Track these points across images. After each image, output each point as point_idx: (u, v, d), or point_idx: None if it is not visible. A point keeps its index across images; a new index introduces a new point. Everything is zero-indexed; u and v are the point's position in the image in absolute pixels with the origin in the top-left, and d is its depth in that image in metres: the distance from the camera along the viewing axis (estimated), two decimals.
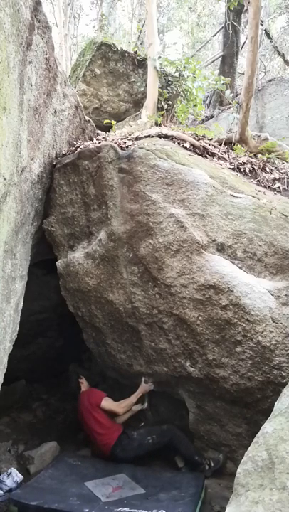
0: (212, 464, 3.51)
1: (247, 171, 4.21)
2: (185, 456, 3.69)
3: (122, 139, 3.99)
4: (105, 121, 5.57)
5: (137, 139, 3.97)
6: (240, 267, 3.31)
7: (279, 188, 4.12)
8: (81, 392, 4.12)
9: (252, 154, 4.50)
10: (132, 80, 6.89)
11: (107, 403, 3.89)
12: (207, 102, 9.37)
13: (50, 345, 5.71)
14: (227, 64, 9.50)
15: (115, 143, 3.76)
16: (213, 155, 4.24)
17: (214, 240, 3.36)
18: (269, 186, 4.10)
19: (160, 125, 5.01)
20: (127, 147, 3.68)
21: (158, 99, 5.72)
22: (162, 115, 5.33)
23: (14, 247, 3.12)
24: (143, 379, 3.90)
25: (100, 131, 5.31)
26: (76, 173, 3.89)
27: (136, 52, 6.91)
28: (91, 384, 4.33)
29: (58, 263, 4.11)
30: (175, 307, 3.41)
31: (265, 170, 4.34)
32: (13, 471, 3.59)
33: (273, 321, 3.11)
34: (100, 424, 3.82)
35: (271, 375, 3.12)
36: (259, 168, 4.28)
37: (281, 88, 8.12)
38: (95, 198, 3.79)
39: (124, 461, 3.70)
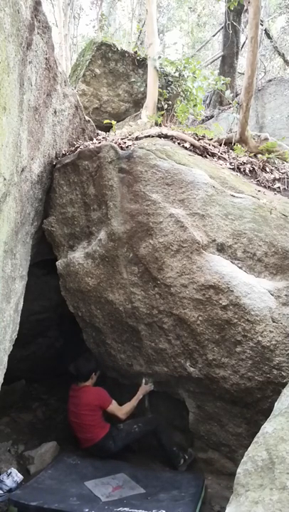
0: (186, 457, 3.72)
1: (247, 171, 4.21)
2: (165, 445, 3.83)
3: (122, 139, 3.99)
4: (105, 121, 5.57)
5: (137, 139, 3.97)
6: (240, 267, 3.31)
7: (279, 188, 4.12)
8: (83, 385, 4.01)
9: (252, 154, 4.50)
10: (132, 80, 6.89)
11: (112, 407, 3.89)
12: (207, 102, 9.38)
13: (50, 345, 5.71)
14: (227, 64, 9.51)
15: (115, 143, 3.76)
16: (213, 155, 4.24)
17: (214, 240, 3.36)
18: (269, 186, 4.10)
19: (160, 125, 5.01)
20: (127, 147, 3.68)
21: (158, 99, 5.72)
22: (162, 115, 5.33)
23: (14, 247, 3.12)
24: (144, 380, 3.90)
25: (100, 131, 5.31)
26: (76, 173, 3.89)
27: (136, 52, 6.91)
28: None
29: (58, 263, 4.11)
30: (175, 307, 3.41)
31: (265, 170, 4.34)
32: (13, 471, 3.59)
33: (273, 321, 3.11)
34: (91, 421, 3.84)
35: (271, 375, 3.12)
36: (259, 168, 4.28)
37: (281, 88, 8.12)
38: (95, 198, 3.79)
39: (113, 451, 3.80)
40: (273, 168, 4.42)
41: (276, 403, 2.12)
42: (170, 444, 3.83)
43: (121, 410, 3.89)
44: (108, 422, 3.91)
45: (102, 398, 3.90)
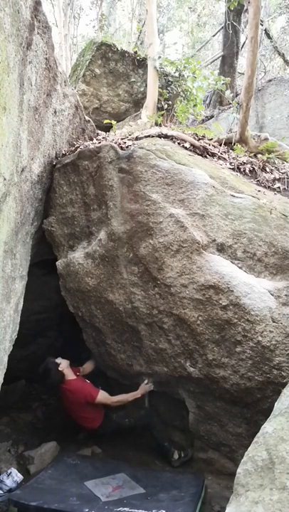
0: (182, 455, 3.78)
1: (247, 171, 4.21)
2: (156, 439, 3.95)
3: (122, 139, 3.99)
4: (105, 121, 5.57)
5: (137, 139, 3.97)
6: (240, 267, 3.31)
7: (279, 188, 4.12)
8: (68, 380, 3.97)
9: (252, 154, 4.50)
10: (132, 79, 6.89)
11: (100, 398, 3.90)
12: (207, 102, 9.37)
13: (50, 345, 5.70)
14: (227, 64, 9.50)
15: (115, 143, 3.76)
16: (213, 155, 4.24)
17: (214, 240, 3.36)
18: (269, 186, 4.10)
19: (160, 125, 5.01)
20: (127, 147, 3.68)
21: (158, 99, 5.72)
22: (162, 115, 5.33)
23: (14, 247, 3.12)
24: (145, 380, 3.90)
25: (100, 131, 5.31)
26: (76, 173, 3.89)
27: (136, 52, 6.90)
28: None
29: (58, 263, 4.11)
30: (175, 307, 3.41)
31: (265, 170, 4.34)
32: (13, 471, 3.59)
33: (273, 321, 3.11)
34: (85, 413, 3.95)
35: (271, 375, 3.12)
36: (259, 168, 4.28)
37: (281, 88, 8.12)
38: (95, 198, 3.79)
39: (103, 435, 4.03)
40: (273, 168, 4.42)
41: (276, 403, 2.12)
42: (162, 438, 3.93)
43: (111, 399, 3.92)
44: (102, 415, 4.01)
45: (87, 394, 3.90)
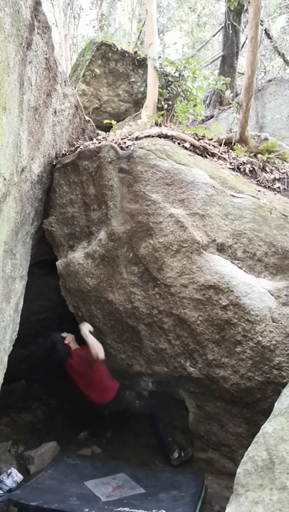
0: (182, 454, 3.77)
1: (247, 171, 4.21)
2: (161, 434, 3.90)
3: (122, 139, 3.99)
4: (105, 121, 5.57)
5: (137, 139, 3.97)
6: (240, 267, 3.31)
7: (279, 188, 4.12)
8: (72, 350, 3.90)
9: (252, 154, 4.50)
10: (132, 79, 6.89)
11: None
12: (207, 102, 9.37)
13: None
14: (227, 64, 9.50)
15: (115, 143, 3.76)
16: (213, 155, 4.24)
17: (214, 240, 3.36)
18: (269, 186, 4.10)
19: (160, 125, 5.01)
20: (127, 147, 3.68)
21: (158, 99, 5.72)
22: (162, 115, 5.33)
23: (14, 247, 3.12)
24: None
25: (100, 131, 5.31)
26: (76, 173, 3.89)
27: (136, 52, 6.90)
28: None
29: (58, 263, 4.11)
30: (175, 307, 3.41)
31: (265, 170, 4.34)
32: (13, 471, 3.59)
33: (273, 321, 3.11)
34: (97, 381, 3.79)
35: (271, 375, 3.12)
36: (259, 168, 4.28)
37: (281, 88, 8.12)
38: (95, 198, 3.79)
39: (113, 413, 3.93)
40: (273, 168, 4.42)
41: (276, 403, 2.12)
42: (166, 433, 3.88)
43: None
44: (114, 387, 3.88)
45: (89, 355, 3.76)
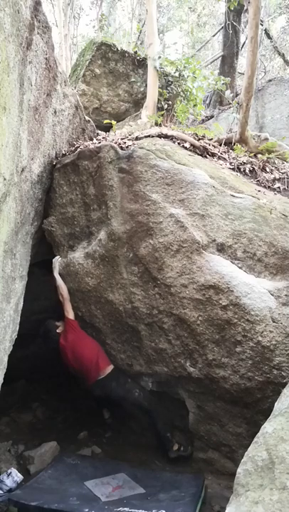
0: (181, 449, 3.75)
1: (247, 171, 4.21)
2: (160, 430, 3.84)
3: (122, 139, 3.99)
4: (105, 121, 5.57)
5: (137, 139, 3.97)
6: (240, 267, 3.31)
7: (279, 188, 4.12)
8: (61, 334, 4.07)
9: (252, 154, 4.50)
10: (132, 79, 6.89)
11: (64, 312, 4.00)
12: (207, 102, 9.38)
13: None
14: (227, 64, 9.50)
15: (115, 143, 3.76)
16: (213, 155, 4.25)
17: (214, 240, 3.36)
18: (269, 186, 4.10)
19: (160, 125, 5.01)
20: (127, 147, 3.68)
21: (158, 99, 5.72)
22: (162, 115, 5.33)
23: (14, 247, 3.12)
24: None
25: (100, 131, 5.31)
26: (76, 173, 3.89)
27: (136, 52, 6.90)
28: None
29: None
30: (175, 307, 3.41)
31: (265, 170, 4.34)
32: (13, 471, 3.59)
33: (273, 321, 3.11)
34: (87, 356, 3.84)
35: (271, 375, 3.12)
36: (259, 168, 4.28)
37: (281, 88, 8.12)
38: (95, 198, 3.79)
39: (108, 396, 3.86)
40: (273, 168, 4.42)
41: (276, 403, 2.12)
42: (164, 429, 3.84)
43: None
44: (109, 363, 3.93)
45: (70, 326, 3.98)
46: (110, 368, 3.88)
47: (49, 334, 4.07)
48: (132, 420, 4.17)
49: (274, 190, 4.08)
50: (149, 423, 3.93)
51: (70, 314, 4.01)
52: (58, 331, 4.05)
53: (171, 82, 6.42)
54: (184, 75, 6.35)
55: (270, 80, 8.56)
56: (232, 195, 3.52)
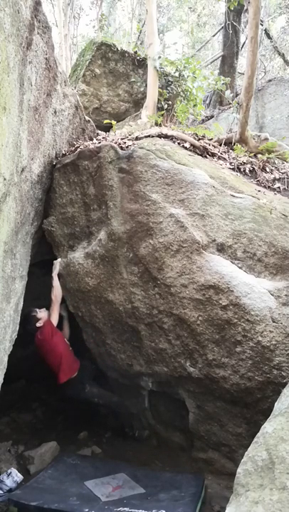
0: (136, 435, 4.19)
1: (247, 171, 4.21)
2: (119, 423, 4.33)
3: (122, 139, 3.99)
4: (105, 121, 5.57)
5: (137, 139, 3.97)
6: (240, 267, 3.31)
7: (279, 188, 4.12)
8: (43, 326, 4.10)
9: (252, 154, 4.50)
10: (132, 79, 6.89)
11: (51, 314, 4.08)
12: (207, 102, 9.38)
13: None
14: (227, 64, 9.50)
15: (115, 143, 3.76)
16: (213, 155, 4.25)
17: (214, 240, 3.36)
18: (269, 186, 4.10)
19: (160, 125, 5.01)
20: (127, 147, 3.68)
21: (158, 99, 5.72)
22: (162, 115, 5.33)
23: (14, 247, 3.12)
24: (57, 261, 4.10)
25: (100, 131, 5.30)
26: (76, 173, 3.89)
27: (136, 52, 6.90)
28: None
29: None
30: (175, 307, 3.41)
31: (265, 170, 4.34)
32: (13, 471, 3.59)
33: (273, 321, 3.11)
34: (58, 355, 4.00)
35: (271, 375, 3.12)
36: (259, 168, 4.28)
37: (281, 88, 8.12)
38: (95, 198, 3.79)
39: (73, 395, 4.20)
40: (273, 168, 4.42)
41: (276, 403, 2.12)
42: (121, 424, 4.35)
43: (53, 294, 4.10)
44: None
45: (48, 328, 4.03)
46: (70, 377, 4.06)
47: (28, 320, 4.04)
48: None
49: (274, 190, 4.08)
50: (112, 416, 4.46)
51: (53, 317, 4.07)
52: (37, 324, 4.07)
53: (171, 82, 6.42)
54: (183, 75, 6.34)
55: (270, 80, 8.56)
56: (232, 195, 3.52)
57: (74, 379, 4.07)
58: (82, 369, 4.14)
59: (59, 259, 4.11)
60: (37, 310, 4.11)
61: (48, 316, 4.09)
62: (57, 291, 4.06)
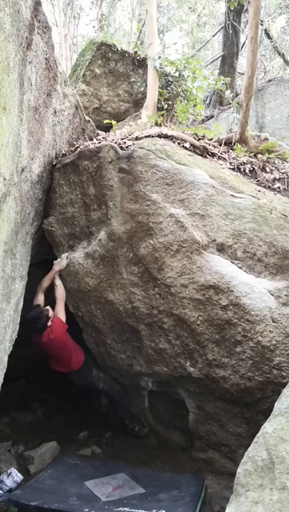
0: (136, 430, 4.25)
1: (247, 171, 4.21)
2: (120, 416, 4.38)
3: (122, 139, 3.99)
4: (105, 121, 5.57)
5: (137, 139, 3.97)
6: (240, 267, 3.31)
7: (279, 188, 4.12)
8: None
9: (252, 154, 4.50)
10: (132, 79, 6.89)
11: (56, 312, 4.04)
12: (207, 102, 9.38)
13: None
14: (227, 64, 9.50)
15: (115, 143, 3.76)
16: (213, 155, 4.25)
17: (214, 240, 3.36)
18: (269, 186, 4.10)
19: (160, 125, 5.01)
20: (127, 147, 3.68)
21: (158, 99, 5.72)
22: (162, 115, 5.33)
23: (14, 247, 3.12)
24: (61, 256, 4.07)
25: (100, 131, 5.30)
26: (76, 173, 3.89)
27: (136, 52, 6.90)
28: None
29: None
30: (175, 307, 3.41)
31: (265, 170, 4.34)
32: (13, 471, 3.59)
33: (273, 321, 3.11)
34: (70, 346, 4.08)
35: (271, 375, 3.12)
36: (259, 168, 4.28)
37: (281, 88, 8.12)
38: (95, 198, 3.79)
39: (76, 385, 4.33)
40: (273, 168, 4.42)
41: (276, 403, 2.12)
42: (123, 416, 4.36)
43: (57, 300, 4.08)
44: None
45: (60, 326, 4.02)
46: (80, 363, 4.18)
47: (41, 320, 3.97)
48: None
49: (274, 190, 4.08)
50: (113, 407, 4.54)
51: (60, 315, 4.04)
52: (50, 315, 4.01)
53: (171, 82, 6.42)
54: (183, 75, 6.34)
55: (270, 80, 8.56)
56: (232, 195, 3.52)
57: (82, 364, 4.18)
58: (87, 355, 4.24)
59: (66, 254, 4.06)
60: (47, 308, 4.07)
61: (54, 318, 4.05)
62: (60, 289, 4.07)
